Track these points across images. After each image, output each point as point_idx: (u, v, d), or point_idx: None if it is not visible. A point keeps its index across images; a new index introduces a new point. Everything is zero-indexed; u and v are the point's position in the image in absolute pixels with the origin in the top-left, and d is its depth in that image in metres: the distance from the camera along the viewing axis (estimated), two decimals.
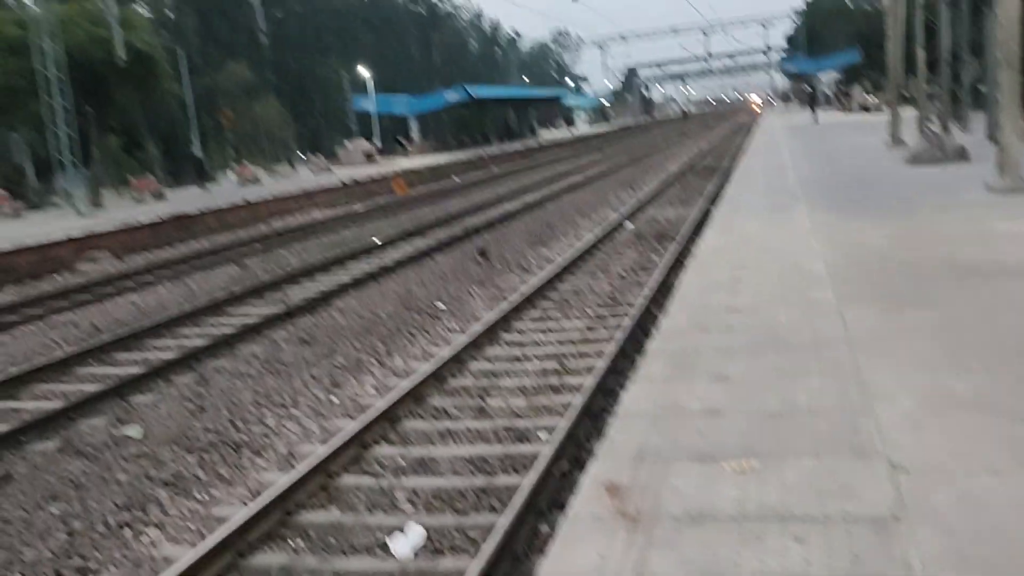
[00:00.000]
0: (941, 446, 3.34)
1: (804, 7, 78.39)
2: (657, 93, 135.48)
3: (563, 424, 6.01)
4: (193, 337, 9.97)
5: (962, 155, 14.44)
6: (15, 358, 9.72)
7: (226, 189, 33.10)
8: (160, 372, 8.37)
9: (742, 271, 7.17)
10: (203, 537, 5.15)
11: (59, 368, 8.86)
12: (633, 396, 4.30)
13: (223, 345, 9.27)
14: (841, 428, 3.61)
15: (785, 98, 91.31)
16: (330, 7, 67.70)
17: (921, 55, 17.60)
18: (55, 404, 7.65)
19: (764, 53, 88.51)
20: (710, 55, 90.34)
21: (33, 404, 7.88)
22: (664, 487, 3.19)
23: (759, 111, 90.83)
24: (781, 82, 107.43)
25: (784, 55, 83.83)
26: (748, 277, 6.88)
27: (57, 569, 5.02)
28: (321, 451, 5.96)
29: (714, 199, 15.87)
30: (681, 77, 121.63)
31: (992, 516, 2.79)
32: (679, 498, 3.09)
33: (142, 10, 49.87)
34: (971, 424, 3.52)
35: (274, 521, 5.20)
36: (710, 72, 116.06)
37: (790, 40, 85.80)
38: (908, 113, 22.06)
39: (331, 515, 5.34)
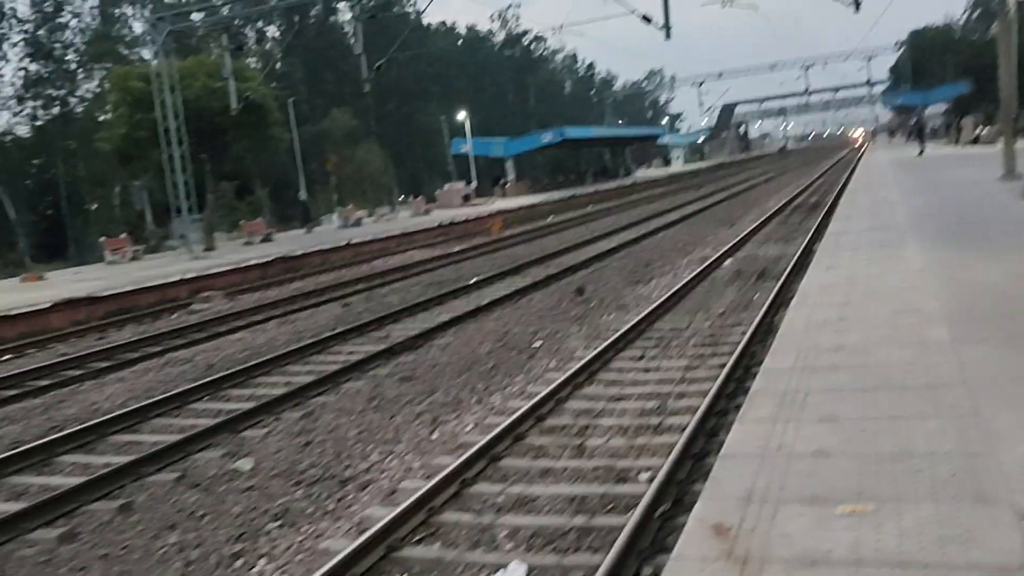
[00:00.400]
0: None
1: (908, 38, 76.17)
2: (754, 130, 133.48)
3: (664, 465, 5.94)
4: (300, 374, 10.31)
5: None
6: (135, 393, 10.26)
7: (329, 231, 34.27)
8: (269, 407, 8.69)
9: (849, 309, 6.96)
10: (309, 570, 5.29)
11: (175, 402, 9.31)
12: (738, 437, 4.23)
13: (328, 381, 9.55)
14: (961, 472, 3.45)
15: (890, 131, 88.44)
16: (429, 55, 69.79)
17: None
18: (172, 437, 8.03)
19: (867, 86, 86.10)
20: (809, 91, 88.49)
21: (152, 437, 8.28)
22: (773, 530, 3.12)
23: (862, 145, 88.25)
24: (883, 115, 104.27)
25: (887, 87, 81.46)
26: (856, 316, 6.68)
27: None
28: (423, 487, 6.05)
29: (817, 236, 15.47)
30: (779, 112, 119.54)
31: None
32: (789, 541, 3.01)
33: (253, 62, 52.75)
34: None
35: (377, 556, 5.30)
36: (808, 107, 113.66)
37: (893, 72, 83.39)
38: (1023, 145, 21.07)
39: (433, 550, 5.41)
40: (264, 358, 10.97)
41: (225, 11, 30.69)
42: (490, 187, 51.88)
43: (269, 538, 5.98)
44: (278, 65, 66.63)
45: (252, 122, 30.78)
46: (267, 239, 31.10)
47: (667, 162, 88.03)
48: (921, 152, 36.35)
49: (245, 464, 7.31)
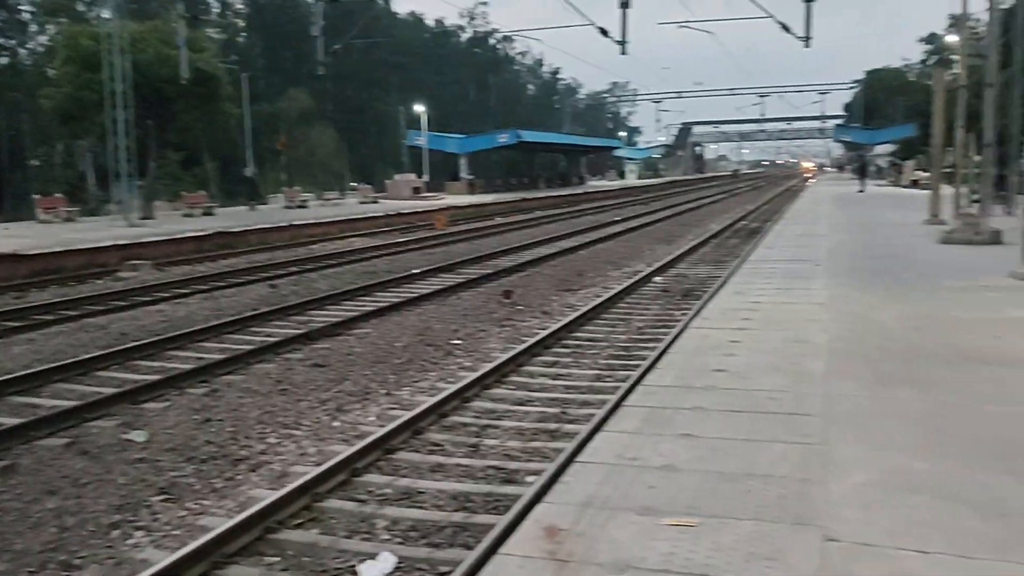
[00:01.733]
0: (880, 523, 3.40)
1: (863, 77, 78.28)
2: (709, 151, 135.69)
3: (551, 468, 6.11)
4: (213, 351, 10.27)
5: (996, 238, 14.31)
6: (42, 355, 10.11)
7: (274, 211, 33.93)
8: (174, 381, 8.66)
9: (743, 334, 7.24)
10: (182, 544, 5.33)
11: (80, 368, 9.20)
12: (598, 445, 4.42)
13: (239, 361, 9.54)
14: (789, 496, 3.68)
15: (839, 166, 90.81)
16: (393, 44, 69.39)
17: (960, 136, 17.55)
18: (70, 403, 7.95)
19: (820, 119, 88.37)
20: (764, 119, 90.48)
21: (49, 401, 8.19)
22: (601, 535, 3.30)
23: (810, 177, 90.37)
24: (835, 149, 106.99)
25: (839, 124, 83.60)
26: (747, 341, 6.96)
27: (43, 561, 5.23)
28: (312, 473, 6.13)
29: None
30: (734, 137, 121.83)
31: None
32: (611, 547, 3.19)
33: (213, 33, 51.82)
34: (917, 506, 3.57)
35: (253, 536, 5.37)
36: (763, 134, 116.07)
37: (847, 108, 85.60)
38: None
39: (310, 535, 5.49)
40: (179, 332, 10.90)
41: None
42: (442, 182, 51.82)
43: (150, 511, 5.99)
44: (241, 38, 65.70)
45: (202, 94, 30.29)
46: (208, 213, 30.69)
47: (622, 175, 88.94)
48: (861, 190, 37.46)
49: (139, 436, 7.28)
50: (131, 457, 6.88)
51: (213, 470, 6.71)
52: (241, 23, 68.01)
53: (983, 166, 17.51)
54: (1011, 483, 3.82)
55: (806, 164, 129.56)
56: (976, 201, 19.14)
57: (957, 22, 20.06)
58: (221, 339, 10.94)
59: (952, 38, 21.06)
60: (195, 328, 11.18)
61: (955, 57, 20.29)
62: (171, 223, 26.07)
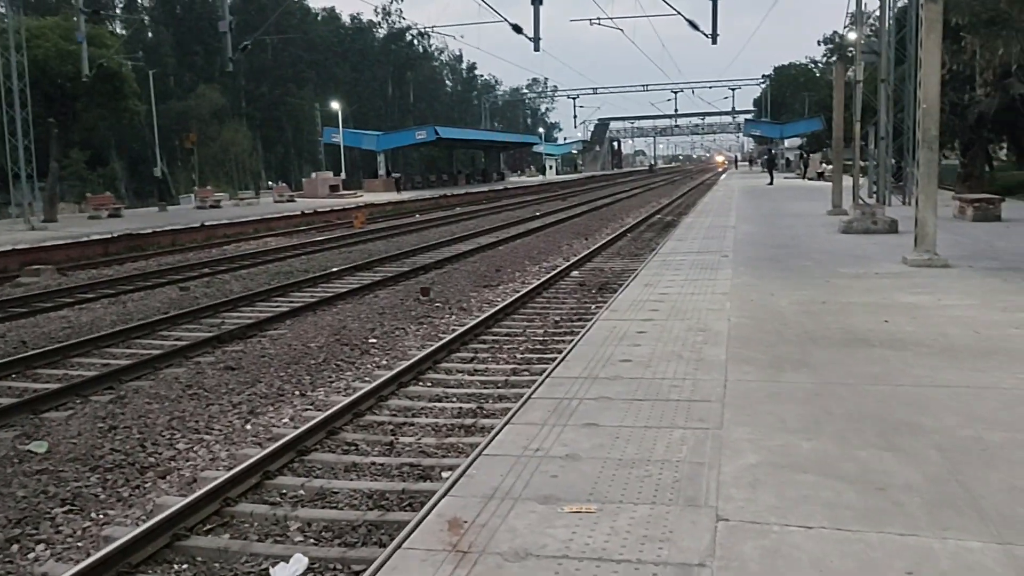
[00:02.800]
0: (767, 501, 3.58)
1: (771, 74, 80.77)
2: (626, 146, 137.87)
3: (465, 463, 6.17)
4: (119, 357, 9.99)
5: (892, 227, 15.03)
6: None
7: (185, 211, 33.03)
8: (77, 389, 8.40)
9: (649, 325, 7.45)
10: (88, 555, 5.20)
11: None
12: (504, 438, 4.51)
13: (146, 366, 9.31)
14: (684, 480, 3.83)
15: (750, 160, 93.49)
16: (308, 40, 68.27)
17: (857, 129, 18.36)
18: None
19: (732, 114, 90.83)
20: (678, 114, 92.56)
21: None
22: (502, 525, 3.38)
23: (722, 170, 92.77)
24: (748, 143, 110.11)
25: (749, 119, 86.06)
26: (653, 331, 7.16)
27: None
28: (222, 478, 6.05)
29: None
30: (650, 132, 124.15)
31: (791, 567, 3.02)
32: (511, 536, 3.28)
33: (121, 30, 50.03)
34: (802, 483, 3.77)
35: (161, 544, 5.27)
36: (678, 129, 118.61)
37: (756, 104, 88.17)
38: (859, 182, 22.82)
39: (221, 540, 5.42)
40: (84, 338, 10.57)
41: None
42: (361, 179, 51.29)
43: (53, 523, 5.81)
44: (149, 34, 63.58)
45: (107, 91, 29.27)
46: (115, 214, 29.67)
47: (543, 170, 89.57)
48: (770, 183, 38.69)
49: (39, 446, 7.05)
50: (31, 469, 6.66)
51: (119, 479, 6.55)
52: (148, 19, 65.83)
53: (878, 158, 18.35)
54: (889, 459, 4.06)
55: (719, 158, 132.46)
56: (875, 192, 20.06)
57: (854, 20, 20.93)
58: (128, 344, 10.64)
59: (852, 35, 21.90)
60: (101, 334, 10.85)
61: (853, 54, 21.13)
62: (76, 226, 25.12)
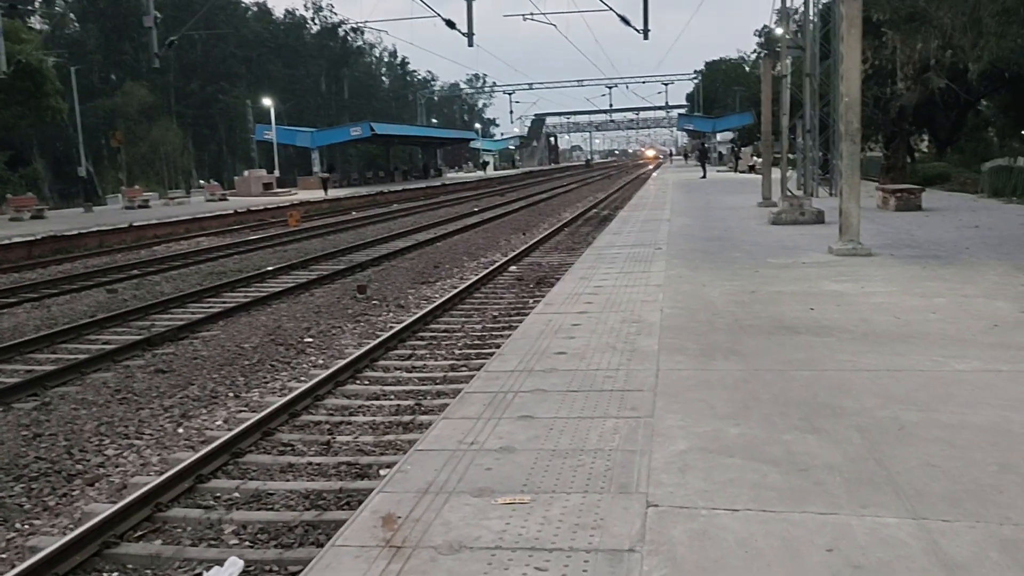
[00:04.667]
0: (696, 486, 3.67)
1: (703, 69, 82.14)
2: (563, 141, 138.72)
3: (401, 461, 6.16)
4: (44, 362, 9.68)
5: (819, 218, 15.46)
6: None
7: (113, 211, 32.12)
8: None
9: (584, 317, 7.53)
10: (13, 567, 5.04)
11: None
12: (438, 432, 4.52)
13: (72, 371, 9.04)
14: (616, 468, 3.90)
15: (684, 154, 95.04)
16: (238, 36, 66.92)
17: (785, 123, 18.86)
18: None
19: (665, 109, 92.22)
20: (612, 109, 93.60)
21: None
22: (437, 519, 3.39)
23: (653, 164, 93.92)
24: (683, 137, 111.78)
25: (682, 113, 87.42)
26: (587, 324, 7.24)
27: None
28: (153, 482, 5.92)
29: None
30: (586, 128, 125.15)
31: (718, 549, 3.10)
32: (446, 530, 3.29)
33: (42, 25, 48.29)
34: (730, 467, 3.87)
35: (90, 552, 5.14)
36: (614, 124, 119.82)
37: (689, 99, 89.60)
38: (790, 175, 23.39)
39: (152, 547, 5.31)
40: (6, 344, 10.21)
41: None
42: (295, 177, 50.54)
43: None
44: (72, 30, 61.50)
45: (26, 88, 28.25)
46: (38, 216, 28.68)
47: (484, 166, 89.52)
48: (703, 176, 39.38)
49: None
50: None
51: (45, 487, 6.37)
52: (72, 14, 63.67)
53: (804, 151, 18.83)
54: (812, 440, 4.19)
55: (649, 153, 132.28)
56: (803, 184, 20.59)
57: (780, 16, 21.45)
58: (53, 349, 10.32)
59: (779, 31, 22.44)
60: (23, 339, 10.50)
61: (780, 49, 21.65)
62: None
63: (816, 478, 3.71)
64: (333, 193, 42.88)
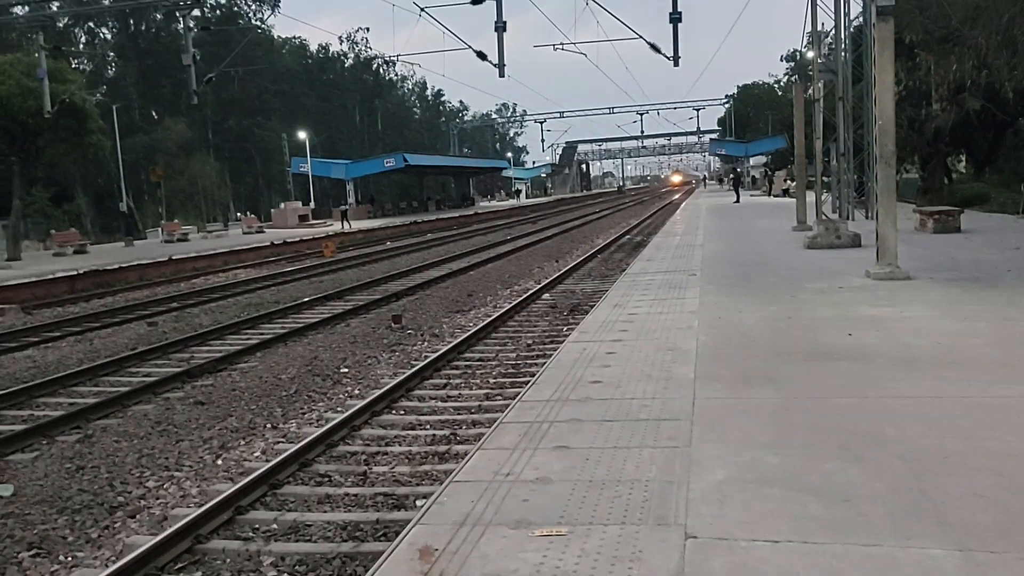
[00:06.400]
0: (735, 517, 3.62)
1: (734, 93, 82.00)
2: (595, 168, 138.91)
3: (439, 491, 6.16)
4: (86, 395, 9.86)
5: (856, 241, 15.28)
6: None
7: (153, 245, 32.75)
8: (43, 429, 8.27)
9: (618, 345, 7.51)
10: None
11: None
12: (474, 463, 4.52)
13: (114, 404, 9.20)
14: (654, 498, 3.87)
15: (718, 178, 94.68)
16: (274, 71, 68.28)
17: (818, 146, 18.73)
18: None
19: (697, 135, 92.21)
20: (643, 135, 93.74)
21: None
22: (474, 552, 3.39)
23: (681, 190, 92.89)
24: (716, 163, 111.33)
25: (714, 138, 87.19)
26: (622, 352, 7.21)
27: None
28: (193, 514, 5.98)
29: None
30: (617, 154, 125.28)
31: None
32: (483, 562, 3.29)
33: (81, 64, 49.71)
34: (769, 497, 3.82)
35: None
36: (645, 150, 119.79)
37: (721, 124, 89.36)
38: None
39: None
40: (49, 377, 10.42)
41: (54, 6, 28.91)
42: (331, 208, 51.19)
43: (20, 568, 5.72)
44: (112, 69, 63.23)
45: (70, 126, 29.03)
46: (80, 251, 29.33)
47: (516, 194, 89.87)
48: (737, 200, 39.19)
49: (4, 490, 6.94)
50: None
51: (88, 520, 6.46)
52: (111, 54, 65.49)
53: (839, 174, 18.66)
54: (853, 470, 4.12)
55: (674, 178, 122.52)
56: (838, 207, 20.39)
57: (811, 40, 21.40)
58: (96, 382, 10.51)
59: (810, 54, 22.37)
60: (67, 372, 10.71)
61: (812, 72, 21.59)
62: (40, 263, 24.82)
63: (859, 509, 3.65)
64: (368, 224, 43.34)
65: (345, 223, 40.07)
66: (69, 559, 5.83)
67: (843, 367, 6.27)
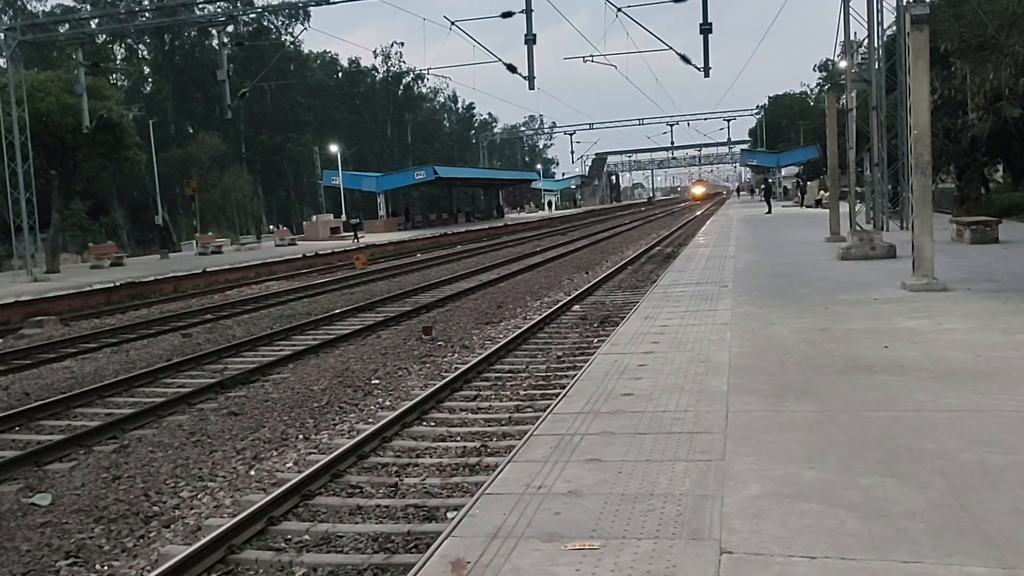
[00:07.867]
0: (771, 532, 3.57)
1: (765, 104, 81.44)
2: (624, 179, 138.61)
3: (470, 503, 6.15)
4: (122, 406, 10.00)
5: (891, 252, 15.07)
6: None
7: (187, 258, 33.21)
8: (81, 439, 8.40)
9: (650, 357, 7.45)
10: None
11: None
12: (506, 476, 4.51)
13: (149, 414, 9.32)
14: (688, 513, 3.82)
15: (750, 189, 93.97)
16: (305, 85, 69.10)
17: (852, 156, 18.53)
18: None
19: (727, 146, 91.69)
20: (674, 146, 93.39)
21: None
22: (506, 565, 3.37)
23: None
24: (747, 173, 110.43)
25: (745, 149, 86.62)
26: (654, 364, 7.16)
27: None
28: (226, 525, 6.03)
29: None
30: (647, 165, 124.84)
31: None
32: (516, 575, 3.27)
33: (119, 80, 50.69)
34: (806, 513, 3.76)
35: None
36: (675, 161, 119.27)
37: (752, 134, 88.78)
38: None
39: None
40: (87, 388, 10.59)
41: (93, 24, 29.53)
42: (361, 220, 51.61)
43: None
44: (148, 85, 64.41)
45: (107, 141, 29.61)
46: (117, 263, 29.84)
47: (547, 205, 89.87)
48: (768, 211, 38.86)
49: (43, 499, 7.05)
50: (35, 522, 6.65)
51: (123, 529, 6.53)
52: (147, 69, 66.75)
53: (873, 184, 18.44)
54: (891, 485, 4.05)
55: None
56: (872, 218, 20.14)
57: (844, 49, 21.20)
58: (131, 393, 10.66)
59: (843, 64, 22.17)
60: (103, 383, 10.87)
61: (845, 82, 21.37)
62: (78, 276, 25.26)
63: (898, 525, 3.58)
64: (398, 236, 43.56)
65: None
66: (105, 568, 5.90)
67: (879, 380, 6.17)
